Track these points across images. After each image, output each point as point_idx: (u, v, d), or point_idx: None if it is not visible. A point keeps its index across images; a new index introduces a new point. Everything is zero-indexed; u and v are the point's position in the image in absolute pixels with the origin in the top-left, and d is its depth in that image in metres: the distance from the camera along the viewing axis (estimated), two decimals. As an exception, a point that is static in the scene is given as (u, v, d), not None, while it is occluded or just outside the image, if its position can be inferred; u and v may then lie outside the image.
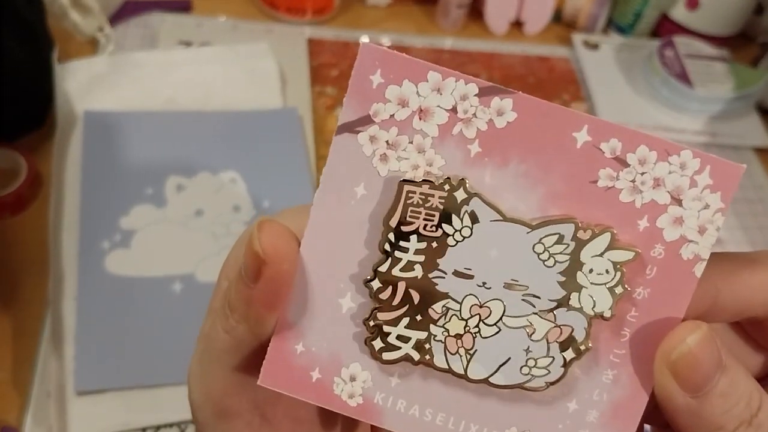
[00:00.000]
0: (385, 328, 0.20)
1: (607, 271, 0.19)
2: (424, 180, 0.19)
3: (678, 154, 0.19)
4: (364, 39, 0.72)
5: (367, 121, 0.19)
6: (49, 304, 0.48)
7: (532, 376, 0.20)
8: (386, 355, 0.20)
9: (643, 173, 0.19)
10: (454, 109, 0.19)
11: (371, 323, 0.20)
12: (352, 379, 0.21)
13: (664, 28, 0.77)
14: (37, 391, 0.45)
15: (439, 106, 0.19)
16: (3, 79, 0.51)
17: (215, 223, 0.53)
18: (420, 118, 0.19)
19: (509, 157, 0.19)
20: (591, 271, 0.19)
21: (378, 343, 0.20)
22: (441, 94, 0.19)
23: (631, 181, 0.19)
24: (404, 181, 0.19)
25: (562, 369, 0.20)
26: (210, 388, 0.23)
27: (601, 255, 0.19)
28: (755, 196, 0.66)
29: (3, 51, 0.51)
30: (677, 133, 0.69)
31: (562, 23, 0.79)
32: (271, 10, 0.72)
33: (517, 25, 0.77)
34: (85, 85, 0.60)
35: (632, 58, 0.75)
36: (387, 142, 0.19)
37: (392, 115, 0.19)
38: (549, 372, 0.20)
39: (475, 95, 0.19)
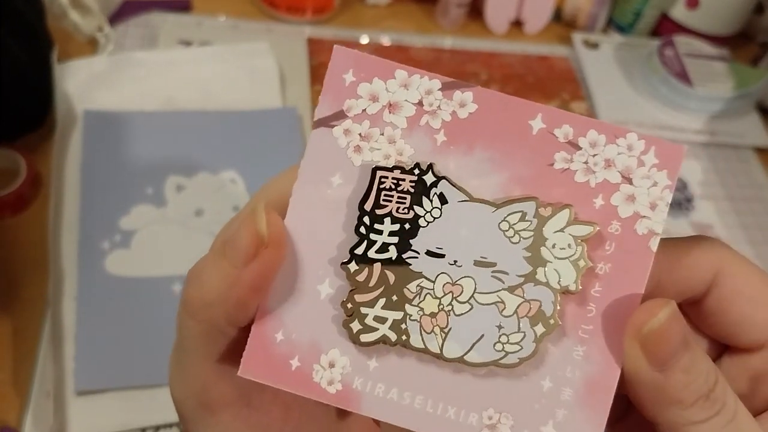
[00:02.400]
0: (363, 310, 0.21)
1: (569, 246, 0.20)
2: (395, 166, 0.21)
3: (624, 136, 0.20)
4: (364, 39, 0.72)
5: (341, 115, 0.21)
6: (49, 304, 0.48)
7: (506, 352, 0.21)
8: (364, 337, 0.21)
9: (594, 155, 0.20)
10: (420, 103, 0.21)
11: (349, 305, 0.21)
12: (331, 365, 0.21)
13: (664, 27, 0.77)
14: (37, 391, 0.45)
15: (406, 100, 0.21)
16: (3, 79, 0.51)
17: (215, 222, 0.53)
18: (390, 112, 0.21)
19: (473, 144, 0.21)
20: (554, 246, 0.20)
21: (356, 325, 0.21)
22: (408, 89, 0.21)
23: (584, 163, 0.20)
24: (377, 167, 0.21)
25: (534, 344, 0.20)
26: (189, 382, 0.22)
27: (563, 230, 0.20)
28: (755, 195, 0.66)
29: (3, 51, 0.51)
30: (677, 132, 0.69)
31: (561, 22, 0.79)
32: (271, 9, 0.72)
33: (517, 24, 0.77)
34: (84, 85, 0.60)
35: (632, 57, 0.75)
36: (360, 134, 0.21)
37: (364, 110, 0.21)
38: (521, 348, 0.20)
39: (438, 89, 0.21)
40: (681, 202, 0.64)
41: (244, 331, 0.22)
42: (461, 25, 0.76)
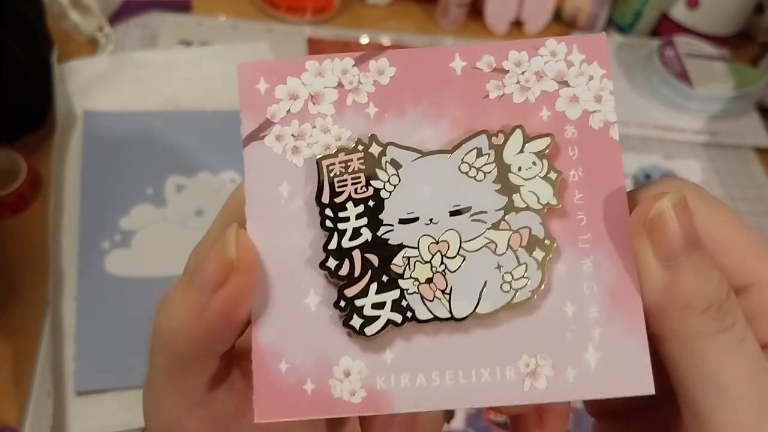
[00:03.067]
0: (357, 303, 0.20)
1: (534, 164, 0.20)
2: (337, 150, 0.20)
3: (544, 45, 0.20)
4: (364, 39, 0.72)
5: (267, 124, 0.20)
6: (49, 304, 0.48)
7: (515, 289, 0.20)
8: (369, 329, 0.19)
9: (523, 72, 0.20)
10: (340, 84, 0.20)
11: (342, 303, 0.20)
12: (347, 374, 0.20)
13: (664, 27, 0.77)
14: (37, 391, 0.45)
15: (326, 86, 0.20)
16: (3, 79, 0.51)
17: (215, 223, 0.53)
18: (314, 103, 0.20)
19: (404, 105, 0.20)
20: (519, 168, 0.20)
21: (356, 321, 0.19)
22: (323, 76, 0.20)
23: (516, 83, 0.20)
24: (321, 157, 0.20)
25: (539, 271, 0.19)
26: (161, 414, 0.21)
27: (522, 151, 0.20)
28: (755, 196, 0.66)
29: (3, 51, 0.51)
30: (677, 132, 0.69)
31: (562, 22, 0.79)
32: (271, 9, 0.72)
33: (517, 24, 0.77)
34: (84, 85, 0.60)
35: (632, 57, 0.75)
36: (293, 135, 0.20)
37: (288, 111, 0.20)
38: (529, 279, 0.20)
39: (353, 66, 0.20)
40: (681, 203, 0.64)
41: (224, 359, 0.21)
42: (461, 25, 0.76)
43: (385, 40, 0.72)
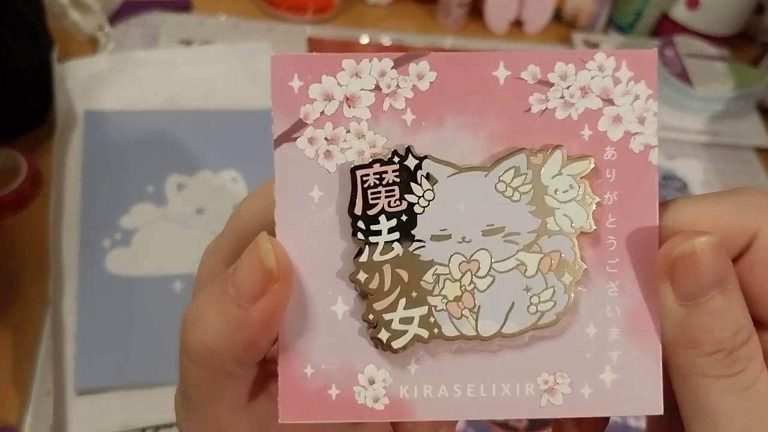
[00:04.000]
0: (386, 317, 0.20)
1: (571, 186, 0.20)
2: (373, 160, 0.19)
3: (593, 59, 0.19)
4: (365, 38, 0.72)
5: (300, 125, 0.19)
6: (50, 303, 0.48)
7: (541, 312, 0.20)
8: (396, 343, 0.20)
9: (568, 87, 0.19)
10: (377, 87, 0.19)
11: (370, 316, 0.20)
12: (371, 382, 0.20)
13: (665, 27, 0.77)
14: (37, 391, 0.45)
15: (362, 89, 0.19)
16: (3, 79, 0.51)
17: (216, 221, 0.53)
18: (349, 106, 0.19)
19: (443, 114, 0.20)
20: (556, 191, 0.20)
21: (384, 334, 0.20)
22: (360, 77, 0.19)
23: (560, 98, 0.20)
24: (355, 167, 0.19)
25: (566, 295, 0.20)
26: (202, 427, 0.21)
27: (560, 173, 0.20)
28: (756, 196, 0.66)
29: (3, 51, 0.51)
30: (678, 132, 0.69)
31: (562, 22, 0.79)
32: (272, 8, 0.72)
33: (518, 24, 0.77)
34: (85, 85, 0.60)
35: (633, 57, 0.75)
36: (326, 138, 0.20)
37: (322, 112, 0.19)
38: (555, 303, 0.20)
39: (392, 68, 0.19)
40: (682, 202, 0.64)
41: (261, 366, 0.21)
42: (462, 24, 0.76)
43: (386, 40, 0.72)
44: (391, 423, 0.21)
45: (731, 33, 0.77)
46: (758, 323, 0.20)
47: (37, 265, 0.50)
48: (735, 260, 0.19)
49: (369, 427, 0.24)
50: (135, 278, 0.49)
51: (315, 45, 0.70)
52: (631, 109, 0.20)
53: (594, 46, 0.76)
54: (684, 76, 0.70)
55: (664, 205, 0.20)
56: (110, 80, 0.61)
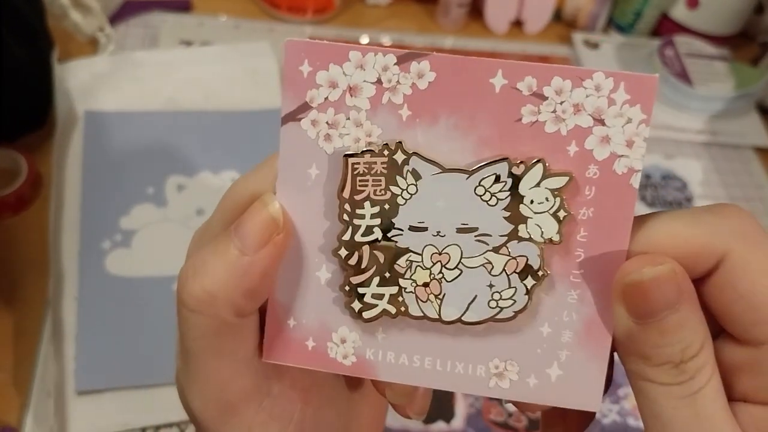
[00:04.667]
0: (360, 290, 0.22)
1: (546, 199, 0.20)
2: (365, 150, 0.21)
3: (591, 77, 0.20)
4: (365, 38, 0.72)
5: (305, 107, 0.21)
6: (50, 303, 0.48)
7: (500, 308, 0.21)
8: (366, 314, 0.22)
9: (562, 102, 0.20)
10: (379, 81, 0.21)
11: (346, 288, 0.22)
12: (343, 341, 0.22)
13: (665, 27, 0.77)
14: (37, 391, 0.45)
15: (365, 80, 0.21)
16: (3, 79, 0.51)
17: (215, 222, 0.53)
18: (351, 95, 0.21)
19: (437, 114, 0.21)
20: (532, 201, 0.21)
21: (357, 305, 0.22)
22: (364, 69, 0.21)
23: (552, 112, 0.20)
24: (348, 155, 0.21)
25: (526, 297, 0.21)
26: (206, 386, 0.22)
27: (538, 185, 0.20)
28: (755, 196, 0.66)
29: (3, 51, 0.51)
30: (678, 131, 0.69)
31: (562, 22, 0.79)
32: (272, 9, 0.72)
33: (518, 24, 0.77)
34: (85, 85, 0.60)
35: (632, 57, 0.75)
36: (327, 122, 0.21)
37: (326, 98, 0.21)
38: (515, 302, 0.21)
39: (394, 64, 0.20)
40: (681, 202, 0.64)
41: (247, 320, 0.22)
42: (462, 24, 0.76)
43: (386, 40, 0.72)
44: (373, 382, 0.23)
45: (731, 33, 0.77)
46: (727, 336, 0.20)
47: (37, 266, 0.50)
48: (704, 278, 0.20)
49: (368, 395, 0.27)
50: (135, 279, 0.50)
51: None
52: (621, 132, 0.20)
53: (594, 45, 0.76)
54: (684, 76, 0.70)
55: (641, 219, 0.20)
56: (110, 81, 0.61)
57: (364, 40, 0.72)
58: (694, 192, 0.65)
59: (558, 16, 0.78)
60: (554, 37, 0.78)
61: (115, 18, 0.68)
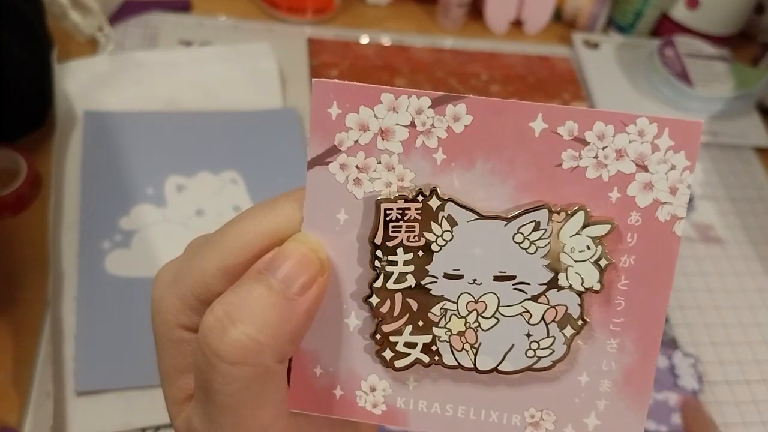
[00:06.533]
0: (392, 339, 0.21)
1: (588, 247, 0.20)
2: (398, 195, 0.20)
3: (634, 123, 0.19)
4: (365, 39, 0.72)
5: (334, 151, 0.20)
6: (49, 304, 0.48)
7: (538, 357, 0.21)
8: (398, 363, 0.21)
9: (604, 148, 0.20)
10: (412, 124, 0.20)
11: (378, 336, 0.21)
12: (372, 389, 0.22)
13: (665, 27, 0.77)
14: (37, 392, 0.45)
15: (397, 123, 0.20)
16: (3, 79, 0.51)
17: (216, 223, 0.53)
18: (383, 138, 0.20)
19: (474, 157, 0.20)
20: (572, 250, 0.20)
21: (388, 354, 0.21)
22: (397, 112, 0.20)
23: (594, 158, 0.20)
24: (380, 200, 0.20)
25: (565, 346, 0.21)
26: None
27: (579, 233, 0.20)
28: (756, 196, 0.66)
29: (3, 51, 0.51)
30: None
31: (562, 23, 0.79)
32: (271, 9, 0.72)
33: (517, 24, 0.77)
34: (85, 85, 0.60)
35: (633, 57, 0.75)
36: (357, 166, 0.20)
37: (356, 141, 0.20)
38: (553, 351, 0.21)
39: (429, 107, 0.20)
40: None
41: (285, 364, 0.21)
42: (462, 25, 0.76)
43: (386, 40, 0.72)
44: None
45: (731, 33, 0.77)
46: None
47: (36, 266, 0.50)
48: None
49: (365, 428, 0.25)
50: (135, 279, 0.49)
51: (315, 45, 0.70)
52: (665, 178, 0.20)
53: (594, 46, 0.76)
54: (684, 76, 0.70)
55: None
56: (110, 81, 0.61)
57: (364, 40, 0.72)
58: (694, 192, 0.65)
59: (558, 17, 0.78)
60: (554, 37, 0.77)
61: (115, 18, 0.68)
